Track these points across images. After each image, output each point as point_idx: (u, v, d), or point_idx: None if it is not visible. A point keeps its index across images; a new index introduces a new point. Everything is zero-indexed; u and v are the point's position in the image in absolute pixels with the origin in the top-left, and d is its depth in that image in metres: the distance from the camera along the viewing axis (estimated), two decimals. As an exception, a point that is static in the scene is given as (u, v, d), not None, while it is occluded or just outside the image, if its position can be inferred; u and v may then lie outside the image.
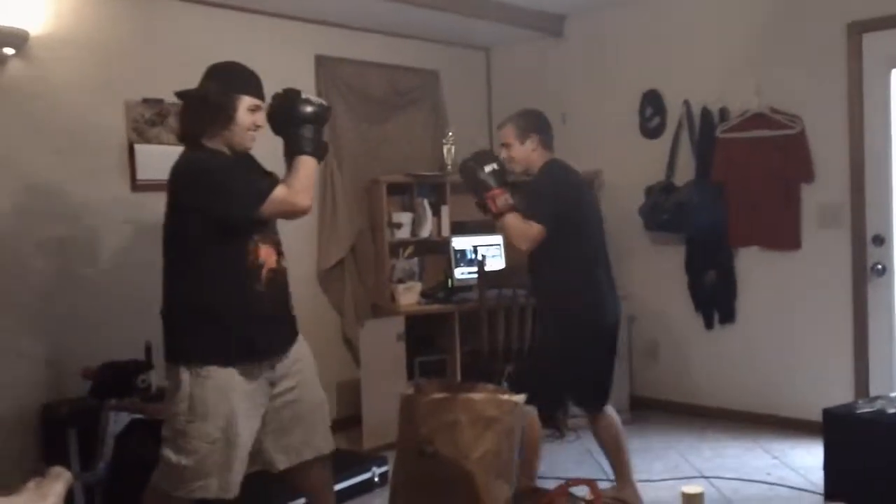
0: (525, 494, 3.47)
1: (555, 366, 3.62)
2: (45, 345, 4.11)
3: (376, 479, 4.24)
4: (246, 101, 2.89)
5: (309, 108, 2.93)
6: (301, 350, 3.10)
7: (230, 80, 2.91)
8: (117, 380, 3.79)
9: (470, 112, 6.27)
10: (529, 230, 3.53)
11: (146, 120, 4.45)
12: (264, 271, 2.90)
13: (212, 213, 2.80)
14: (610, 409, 3.82)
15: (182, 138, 2.99)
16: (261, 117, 2.94)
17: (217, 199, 2.80)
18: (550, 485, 3.78)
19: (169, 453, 2.83)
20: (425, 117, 5.96)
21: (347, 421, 5.14)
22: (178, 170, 2.90)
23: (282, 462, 3.03)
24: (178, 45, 4.61)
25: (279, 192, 2.83)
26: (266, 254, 2.92)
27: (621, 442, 3.80)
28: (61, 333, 4.15)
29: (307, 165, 2.90)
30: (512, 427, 2.84)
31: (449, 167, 5.68)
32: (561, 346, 3.63)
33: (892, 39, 4.54)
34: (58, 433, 3.70)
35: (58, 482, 1.46)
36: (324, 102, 3.04)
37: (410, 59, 5.86)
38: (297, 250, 4.24)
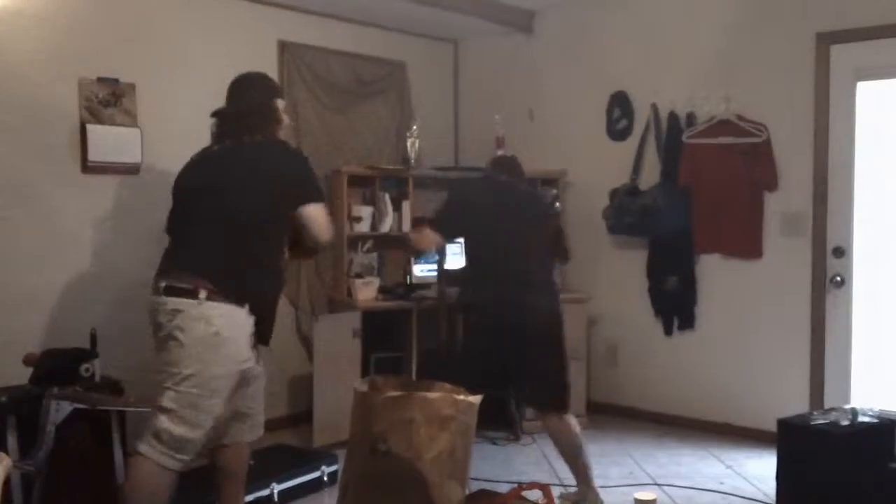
0: (478, 497, 3.44)
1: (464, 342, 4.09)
2: (-14, 329, 3.97)
3: (325, 478, 4.15)
4: (280, 103, 3.26)
5: None
6: None
7: (267, 87, 3.28)
8: (60, 367, 3.69)
9: (436, 105, 6.20)
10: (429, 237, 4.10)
11: (100, 100, 4.31)
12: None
13: (314, 194, 3.11)
14: (569, 417, 3.81)
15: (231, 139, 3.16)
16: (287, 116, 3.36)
17: (318, 185, 3.19)
18: (504, 488, 3.75)
19: (168, 423, 2.88)
20: (390, 109, 5.88)
21: (298, 417, 5.06)
22: (286, 152, 3.16)
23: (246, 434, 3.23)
24: (137, 25, 4.50)
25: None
26: None
27: (577, 446, 3.80)
28: (2, 317, 4.01)
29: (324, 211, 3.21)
30: (468, 427, 2.82)
31: (413, 161, 5.60)
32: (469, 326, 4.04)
33: (859, 51, 4.56)
34: (-4, 420, 3.57)
35: None
36: None
37: (377, 48, 5.77)
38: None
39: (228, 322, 2.95)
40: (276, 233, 3.12)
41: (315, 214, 3.11)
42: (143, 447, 2.92)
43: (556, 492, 3.57)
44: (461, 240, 4.18)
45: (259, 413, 3.28)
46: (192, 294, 2.91)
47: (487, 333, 3.85)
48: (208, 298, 2.91)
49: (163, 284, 2.99)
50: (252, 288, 3.02)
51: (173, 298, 2.94)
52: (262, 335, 3.14)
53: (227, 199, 3.01)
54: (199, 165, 3.15)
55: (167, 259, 3.10)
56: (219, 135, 3.20)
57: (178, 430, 2.87)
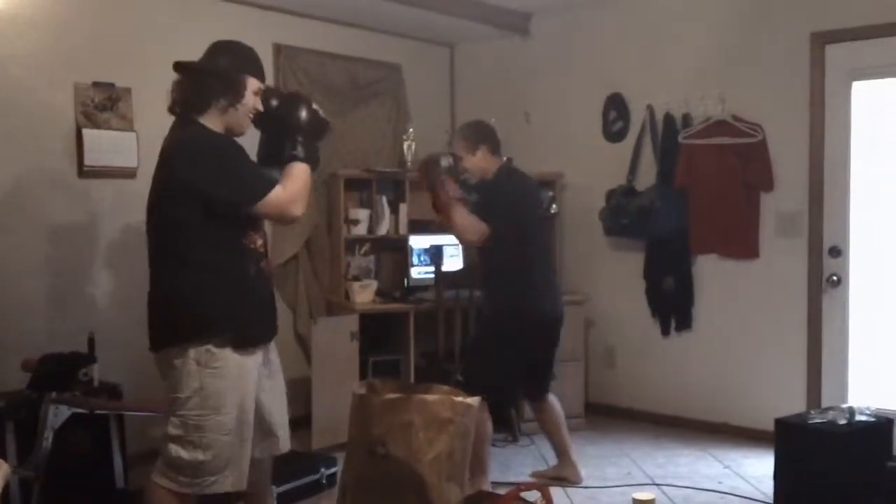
0: (476, 498, 3.44)
1: (497, 356, 3.90)
2: (-17, 334, 3.97)
3: (324, 481, 4.15)
4: (253, 83, 2.85)
5: (309, 116, 2.91)
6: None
7: (240, 58, 2.86)
8: (58, 372, 3.69)
9: (432, 108, 6.20)
10: (478, 224, 3.85)
11: (96, 104, 4.31)
12: (258, 258, 2.87)
13: (213, 195, 2.69)
14: (551, 397, 4.20)
15: (177, 112, 2.84)
16: (259, 102, 2.88)
17: (222, 182, 2.70)
18: (503, 489, 3.75)
19: (181, 451, 2.72)
20: (386, 112, 5.88)
21: (296, 420, 5.01)
22: (181, 144, 2.76)
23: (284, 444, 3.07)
24: (132, 29, 4.50)
25: (277, 193, 2.77)
26: (260, 243, 2.90)
27: (560, 425, 4.19)
28: (1, 323, 3.99)
29: (304, 173, 2.86)
30: (466, 429, 2.82)
31: (409, 164, 5.60)
32: (498, 339, 3.92)
33: (854, 51, 4.57)
34: (-6, 426, 3.57)
35: None
36: (326, 119, 3.02)
37: (372, 51, 5.77)
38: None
39: (213, 342, 2.75)
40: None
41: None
42: (159, 478, 2.76)
43: (554, 492, 3.57)
44: (501, 233, 3.87)
45: (277, 425, 3.05)
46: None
47: (548, 337, 4.04)
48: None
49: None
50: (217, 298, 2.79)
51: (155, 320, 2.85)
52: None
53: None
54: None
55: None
56: (172, 102, 2.86)
57: (189, 454, 2.71)
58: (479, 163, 4.04)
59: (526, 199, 4.10)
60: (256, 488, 3.07)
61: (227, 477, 2.77)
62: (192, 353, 2.72)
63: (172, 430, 2.74)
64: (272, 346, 3.05)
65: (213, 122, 2.79)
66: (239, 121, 2.84)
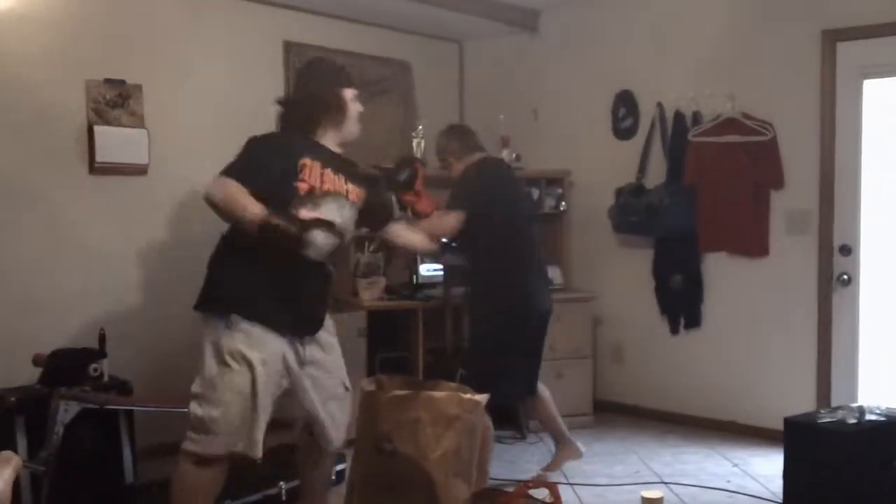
0: (484, 495, 3.44)
1: (495, 356, 3.86)
2: (-5, 329, 3.99)
3: (332, 477, 4.15)
4: (349, 92, 3.10)
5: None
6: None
7: (332, 75, 3.13)
8: (69, 367, 3.72)
9: (441, 105, 6.18)
10: (446, 219, 3.82)
11: (107, 101, 4.32)
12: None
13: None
14: (540, 386, 4.22)
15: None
16: (359, 104, 3.14)
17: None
18: (511, 487, 3.75)
19: (196, 407, 2.87)
20: (395, 109, 5.88)
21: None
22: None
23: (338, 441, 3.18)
24: (143, 26, 4.51)
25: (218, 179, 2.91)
26: None
27: (554, 412, 4.25)
28: (12, 319, 4.02)
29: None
30: (473, 426, 2.82)
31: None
32: (493, 336, 3.90)
33: (865, 49, 4.55)
34: (5, 421, 3.58)
35: (6, 467, 1.44)
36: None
37: (381, 48, 5.77)
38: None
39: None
40: None
41: None
42: (183, 445, 2.90)
43: (562, 490, 3.57)
44: (478, 221, 3.85)
45: (329, 418, 3.14)
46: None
47: (539, 331, 4.06)
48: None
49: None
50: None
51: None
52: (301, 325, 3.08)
53: None
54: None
55: None
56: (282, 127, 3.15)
57: (202, 411, 2.85)
58: (461, 166, 4.04)
59: (506, 187, 4.05)
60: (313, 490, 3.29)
61: (238, 440, 2.87)
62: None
63: (193, 388, 2.90)
64: (324, 343, 3.22)
65: (326, 140, 3.08)
66: (351, 129, 3.13)
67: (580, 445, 4.30)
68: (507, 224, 3.93)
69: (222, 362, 2.86)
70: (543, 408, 4.26)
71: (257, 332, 2.89)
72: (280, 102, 3.15)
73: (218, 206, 2.80)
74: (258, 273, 2.91)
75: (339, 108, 3.05)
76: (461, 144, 4.10)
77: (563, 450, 4.30)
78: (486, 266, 3.93)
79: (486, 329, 3.94)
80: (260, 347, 2.89)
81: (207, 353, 2.89)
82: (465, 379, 3.87)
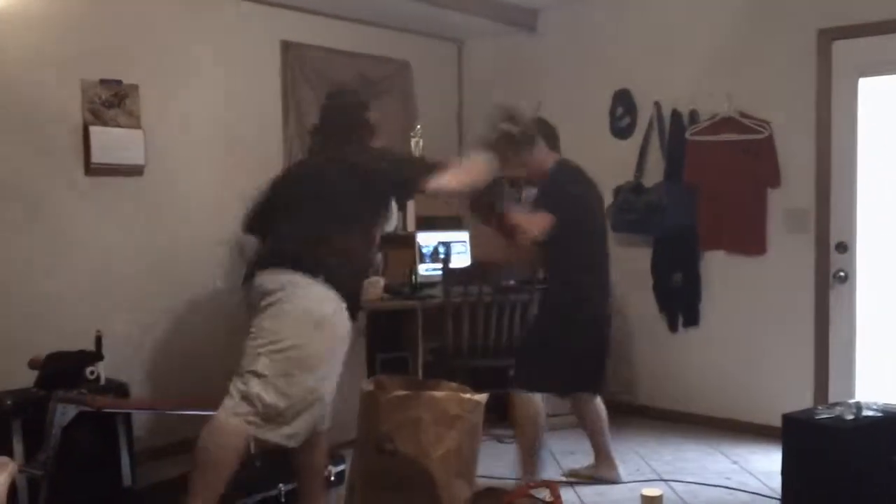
0: (485, 494, 3.44)
1: (548, 351, 3.86)
2: (-9, 332, 3.97)
3: (332, 478, 4.14)
4: (373, 115, 3.56)
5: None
6: None
7: (356, 97, 3.69)
8: (65, 370, 3.69)
9: (440, 105, 6.19)
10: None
11: (103, 101, 4.31)
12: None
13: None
14: (598, 399, 4.18)
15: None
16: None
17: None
18: (512, 486, 3.75)
19: (263, 392, 2.90)
20: (394, 109, 5.86)
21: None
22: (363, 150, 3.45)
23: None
24: (140, 26, 4.49)
25: None
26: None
27: (602, 426, 4.17)
28: (7, 321, 4.01)
29: None
30: (475, 426, 2.82)
31: (416, 160, 5.59)
32: (550, 333, 3.91)
33: (861, 47, 4.55)
34: (2, 424, 3.57)
35: (1, 473, 1.42)
36: None
37: (381, 48, 5.76)
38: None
39: (334, 305, 3.04)
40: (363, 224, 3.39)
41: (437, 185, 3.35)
42: (229, 406, 2.91)
43: (563, 489, 3.57)
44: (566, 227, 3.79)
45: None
46: (310, 273, 3.02)
47: (598, 333, 4.09)
48: (325, 281, 3.02)
49: (276, 260, 3.08)
50: (342, 273, 3.12)
51: (288, 272, 3.02)
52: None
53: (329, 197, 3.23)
54: (299, 171, 3.54)
55: (274, 248, 3.18)
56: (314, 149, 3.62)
57: (270, 397, 2.89)
58: (537, 160, 3.99)
59: (588, 195, 4.08)
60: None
61: (285, 428, 2.96)
62: None
63: (260, 369, 2.93)
64: None
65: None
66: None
67: (621, 471, 4.19)
68: (594, 231, 4.03)
69: (305, 362, 3.03)
70: (596, 417, 4.17)
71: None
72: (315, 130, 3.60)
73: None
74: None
75: (371, 131, 3.52)
76: (546, 142, 4.05)
77: (600, 466, 4.20)
78: (572, 270, 3.94)
79: (552, 321, 3.96)
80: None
81: (290, 342, 2.99)
82: (518, 367, 3.96)
